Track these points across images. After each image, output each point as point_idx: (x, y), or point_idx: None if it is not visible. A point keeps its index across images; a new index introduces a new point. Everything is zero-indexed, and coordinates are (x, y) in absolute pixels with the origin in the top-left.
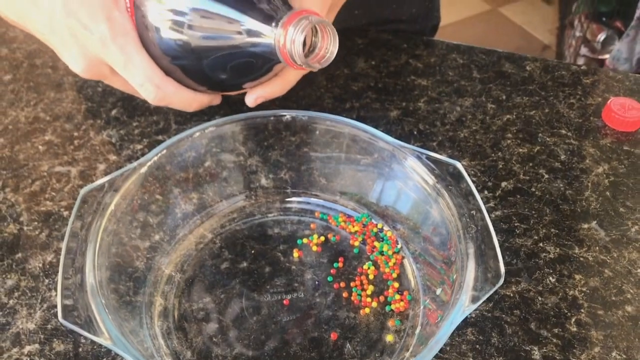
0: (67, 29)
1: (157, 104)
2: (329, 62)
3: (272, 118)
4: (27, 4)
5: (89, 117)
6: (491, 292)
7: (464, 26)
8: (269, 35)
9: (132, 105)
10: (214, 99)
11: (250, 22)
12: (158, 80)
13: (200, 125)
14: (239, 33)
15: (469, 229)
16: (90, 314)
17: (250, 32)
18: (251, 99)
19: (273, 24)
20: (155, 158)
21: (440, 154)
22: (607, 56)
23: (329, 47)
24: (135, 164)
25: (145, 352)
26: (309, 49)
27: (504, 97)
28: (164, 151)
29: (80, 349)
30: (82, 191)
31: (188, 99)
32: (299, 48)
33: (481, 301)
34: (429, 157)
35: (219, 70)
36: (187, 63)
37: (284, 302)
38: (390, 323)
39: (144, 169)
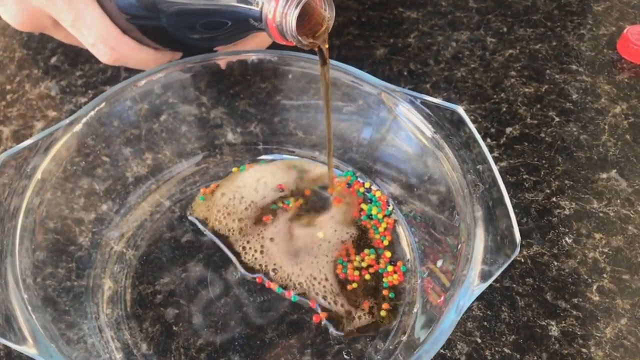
0: None
1: (111, 64)
2: (327, 32)
3: (235, 60)
4: None
5: (24, 66)
6: (505, 265)
7: None
8: (254, 2)
9: (74, 50)
10: (175, 55)
11: None
12: (113, 41)
13: (146, 72)
14: None
15: (476, 188)
16: (9, 311)
17: None
18: (223, 62)
19: None
20: (92, 113)
21: (436, 97)
22: None
23: (324, 12)
24: (67, 120)
25: (89, 349)
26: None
27: (505, 29)
28: (102, 105)
29: None
30: (2, 157)
31: (147, 60)
32: (291, 24)
33: (493, 277)
34: (424, 102)
35: (186, 33)
36: (148, 23)
37: (257, 280)
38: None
39: (78, 127)
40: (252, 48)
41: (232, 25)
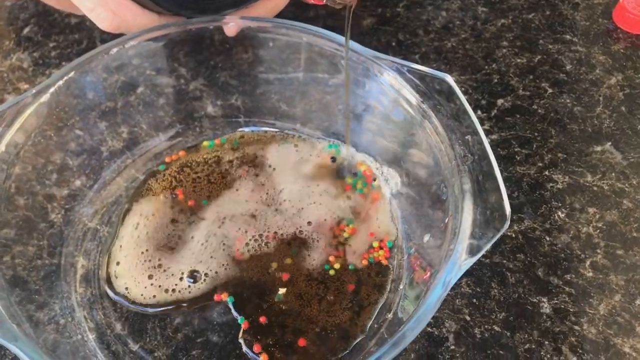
0: None
1: (112, 31)
2: None
3: (211, 27)
4: None
5: None
6: (494, 239)
7: None
8: None
9: (48, 21)
10: (180, 19)
11: None
12: (114, 5)
13: (118, 40)
14: None
15: (464, 159)
16: None
17: None
18: (232, 29)
19: None
20: (61, 82)
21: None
22: None
23: None
24: (33, 90)
25: (60, 330)
26: None
27: None
28: (72, 74)
29: None
30: None
31: (150, 26)
32: None
33: (482, 252)
34: (411, 71)
35: None
36: None
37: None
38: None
39: (45, 97)
40: (264, 12)
41: None
